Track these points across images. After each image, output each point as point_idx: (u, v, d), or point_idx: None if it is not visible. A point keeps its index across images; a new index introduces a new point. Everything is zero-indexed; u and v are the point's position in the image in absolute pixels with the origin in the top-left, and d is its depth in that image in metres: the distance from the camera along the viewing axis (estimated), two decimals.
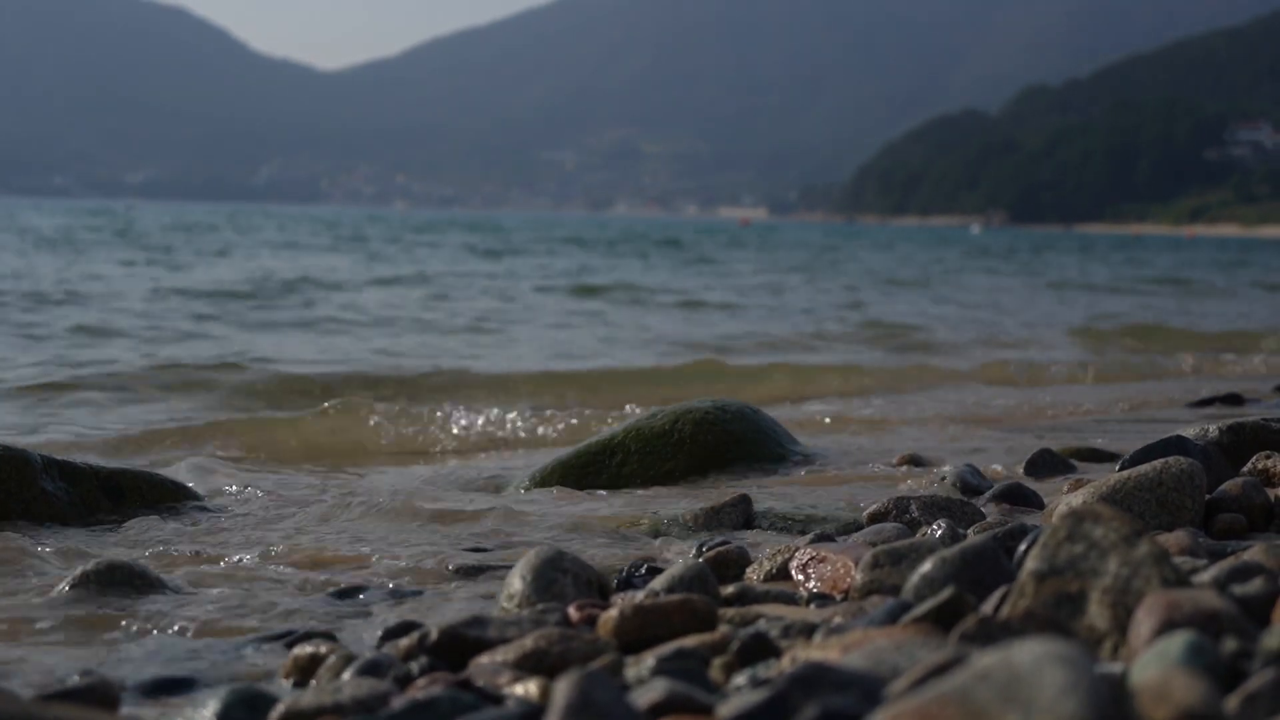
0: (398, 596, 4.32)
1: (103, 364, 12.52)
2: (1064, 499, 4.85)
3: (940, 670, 2.32)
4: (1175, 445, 5.12)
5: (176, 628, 4.09)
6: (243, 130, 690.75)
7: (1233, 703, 2.14)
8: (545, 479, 6.96)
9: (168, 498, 6.22)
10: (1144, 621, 2.54)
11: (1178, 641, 2.28)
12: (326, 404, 9.76)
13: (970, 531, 4.56)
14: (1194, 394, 10.94)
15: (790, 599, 3.89)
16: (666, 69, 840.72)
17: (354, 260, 37.91)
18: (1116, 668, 2.39)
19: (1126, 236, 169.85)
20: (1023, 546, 3.76)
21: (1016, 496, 5.68)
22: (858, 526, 5.17)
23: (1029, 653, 2.01)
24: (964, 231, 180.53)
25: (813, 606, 3.76)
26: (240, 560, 5.08)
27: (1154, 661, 2.26)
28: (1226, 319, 23.99)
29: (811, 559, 4.18)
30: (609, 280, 31.10)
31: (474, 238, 66.91)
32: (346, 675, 3.24)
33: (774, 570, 4.37)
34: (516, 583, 3.91)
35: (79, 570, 4.47)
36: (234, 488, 6.83)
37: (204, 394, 11.16)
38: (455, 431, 9.31)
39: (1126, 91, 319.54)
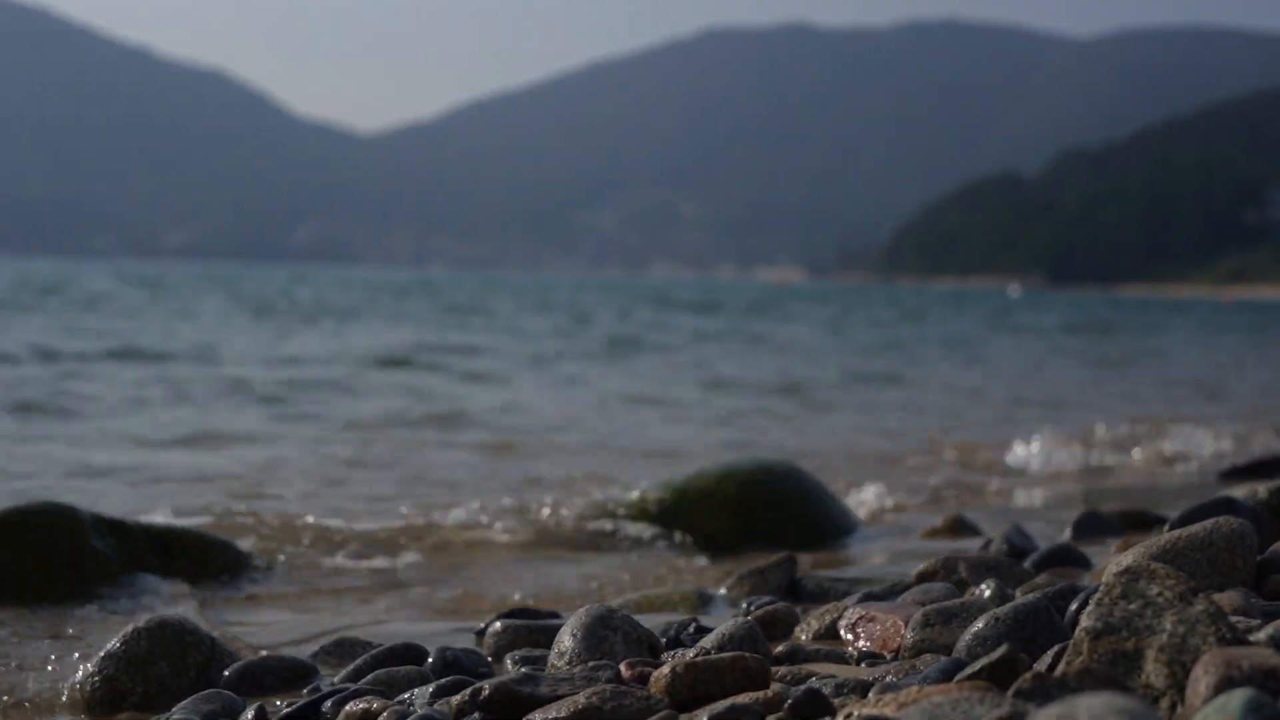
0: (448, 656, 4.32)
1: None
2: (1114, 560, 4.83)
3: None
4: (1224, 506, 5.09)
5: (229, 683, 4.11)
6: (280, 191, 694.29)
7: None
8: None
9: (216, 556, 6.25)
10: (1202, 678, 2.54)
11: (1238, 697, 2.27)
12: None
13: (1019, 592, 4.55)
14: None
15: (840, 658, 3.89)
16: (702, 130, 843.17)
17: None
18: None
19: (1164, 300, 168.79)
20: (1074, 605, 3.76)
21: (1065, 558, 5.67)
22: (905, 586, 5.17)
23: (1092, 706, 2.02)
24: (1003, 294, 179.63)
25: (863, 665, 3.76)
26: (290, 617, 5.11)
27: (1215, 717, 2.26)
28: None
29: (861, 618, 4.18)
30: None
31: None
32: None
33: (822, 630, 4.37)
34: (567, 640, 3.92)
35: (130, 627, 4.49)
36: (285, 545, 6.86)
37: None
38: None
39: (1164, 153, 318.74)
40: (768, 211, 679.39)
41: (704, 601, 5.34)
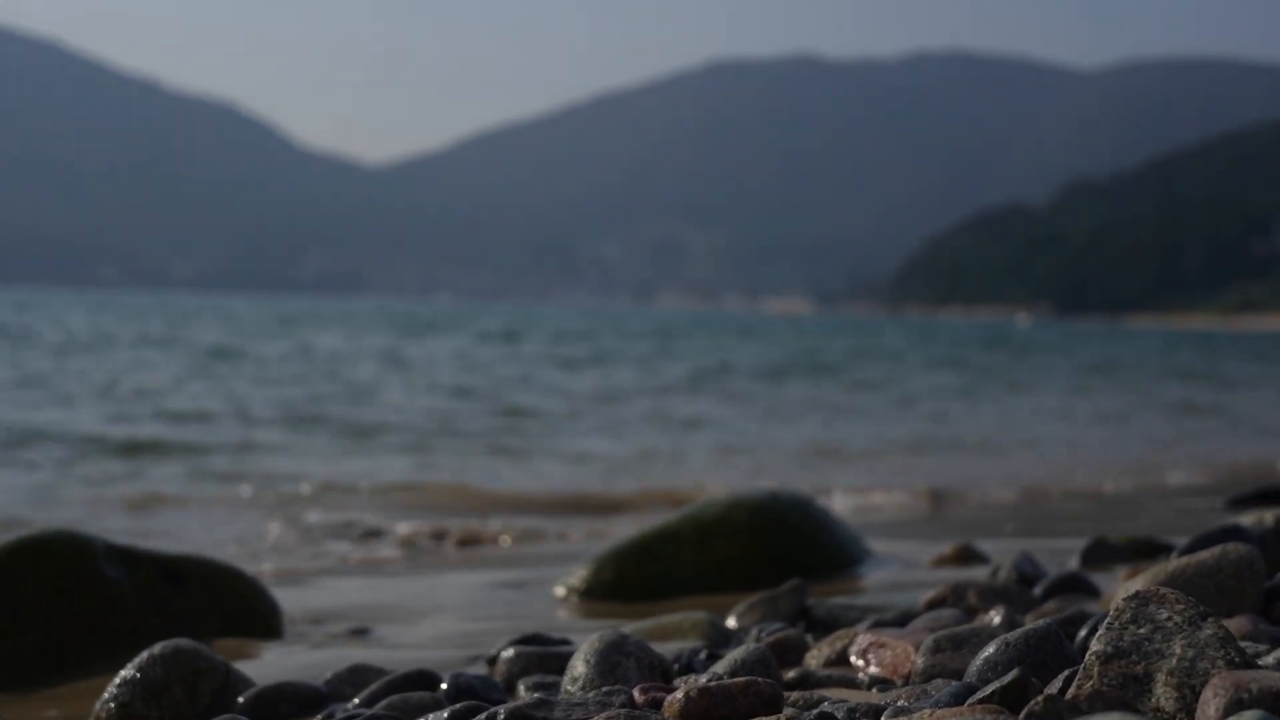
0: (461, 682, 4.34)
1: None
2: (1122, 587, 4.85)
3: None
4: (1232, 533, 5.12)
5: (244, 709, 4.14)
6: (288, 223, 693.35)
7: None
8: (601, 566, 6.98)
9: (228, 584, 6.27)
10: (1211, 701, 2.56)
11: (1248, 718, 2.30)
12: None
13: (1028, 618, 4.57)
14: None
15: (852, 683, 3.91)
16: (710, 161, 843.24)
17: None
18: None
19: (1171, 331, 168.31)
20: (1083, 631, 3.78)
21: (1073, 586, 5.69)
22: (915, 614, 5.18)
23: None
24: (1011, 325, 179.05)
25: (875, 690, 3.78)
26: (300, 645, 5.13)
27: None
28: None
29: (872, 644, 4.20)
30: None
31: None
32: None
33: (833, 656, 4.38)
34: (580, 666, 3.94)
35: (145, 653, 4.51)
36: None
37: None
38: None
39: (1172, 184, 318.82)
40: (775, 242, 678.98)
41: (715, 629, 5.35)
